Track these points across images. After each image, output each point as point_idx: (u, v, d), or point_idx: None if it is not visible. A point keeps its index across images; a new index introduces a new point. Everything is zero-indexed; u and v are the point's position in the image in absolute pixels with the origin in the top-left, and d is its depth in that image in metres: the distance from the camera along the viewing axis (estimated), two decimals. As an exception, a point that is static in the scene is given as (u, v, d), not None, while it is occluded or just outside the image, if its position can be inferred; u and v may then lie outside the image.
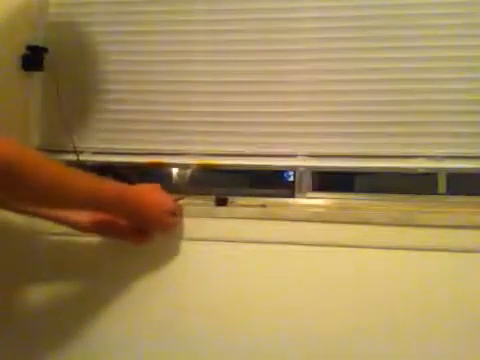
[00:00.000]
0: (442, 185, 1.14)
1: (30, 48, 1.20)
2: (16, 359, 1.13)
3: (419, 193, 1.14)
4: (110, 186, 0.88)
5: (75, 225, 0.99)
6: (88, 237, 1.07)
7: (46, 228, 1.08)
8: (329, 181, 1.21)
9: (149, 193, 0.96)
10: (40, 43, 1.22)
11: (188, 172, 1.29)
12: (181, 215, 1.07)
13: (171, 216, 1.01)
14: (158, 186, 1.00)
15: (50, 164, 0.78)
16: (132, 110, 1.22)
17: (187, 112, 1.20)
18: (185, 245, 1.09)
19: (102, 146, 1.23)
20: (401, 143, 1.12)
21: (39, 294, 1.14)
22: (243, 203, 1.14)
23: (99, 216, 0.97)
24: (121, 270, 1.11)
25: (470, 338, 0.99)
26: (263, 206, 1.10)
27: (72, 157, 1.21)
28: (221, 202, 1.13)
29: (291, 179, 1.20)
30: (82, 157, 1.21)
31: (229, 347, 1.07)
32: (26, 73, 1.21)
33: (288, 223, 1.06)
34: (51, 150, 1.23)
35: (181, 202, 1.07)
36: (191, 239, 1.09)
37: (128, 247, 1.06)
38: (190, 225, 1.08)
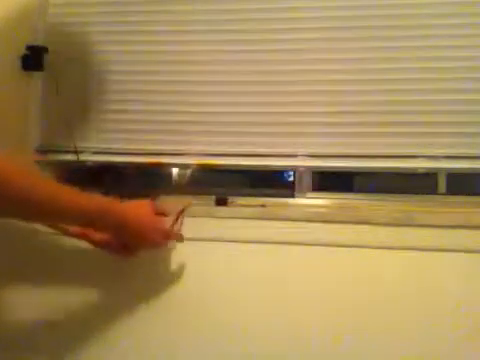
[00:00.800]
0: (442, 185, 1.14)
1: (30, 48, 1.20)
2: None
3: (419, 193, 1.14)
4: (95, 201, 0.87)
5: (65, 232, 0.99)
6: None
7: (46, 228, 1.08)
8: (329, 181, 1.21)
9: (136, 208, 0.95)
10: (40, 43, 1.22)
11: (188, 172, 1.29)
12: (179, 235, 1.05)
13: (161, 235, 0.99)
14: (148, 203, 0.98)
15: (36, 182, 0.78)
16: (132, 110, 1.22)
17: (187, 112, 1.20)
18: (185, 245, 1.09)
19: (102, 146, 1.22)
20: (401, 143, 1.12)
21: (38, 294, 1.14)
22: (243, 203, 1.14)
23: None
24: (120, 270, 1.11)
25: (471, 338, 0.99)
26: (263, 206, 1.10)
27: (72, 157, 1.21)
28: (221, 202, 1.13)
29: (291, 179, 1.20)
30: (82, 157, 1.21)
31: (229, 347, 1.07)
32: (26, 73, 1.21)
33: (288, 223, 1.06)
34: (51, 150, 1.23)
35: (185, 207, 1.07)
36: (191, 239, 1.09)
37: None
38: (190, 225, 1.08)
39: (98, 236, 0.97)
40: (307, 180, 1.18)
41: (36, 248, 1.14)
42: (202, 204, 1.13)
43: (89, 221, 0.88)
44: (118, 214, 0.91)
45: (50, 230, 1.01)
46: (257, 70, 1.17)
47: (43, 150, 1.23)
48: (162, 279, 1.10)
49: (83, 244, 1.10)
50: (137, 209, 0.95)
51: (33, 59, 1.20)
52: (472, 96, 1.10)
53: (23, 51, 1.19)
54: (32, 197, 0.77)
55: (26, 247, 1.14)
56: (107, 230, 0.95)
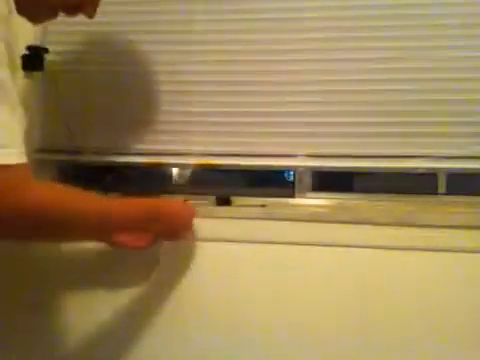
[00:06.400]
0: (442, 185, 1.14)
1: (30, 48, 1.20)
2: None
3: (419, 193, 1.14)
4: (141, 204, 0.90)
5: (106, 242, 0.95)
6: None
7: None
8: (329, 181, 1.21)
9: (162, 200, 1.00)
10: (40, 43, 1.22)
11: (188, 172, 1.29)
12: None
13: (189, 218, 1.03)
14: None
15: (78, 203, 0.79)
16: (132, 110, 1.22)
17: (187, 112, 1.20)
18: (185, 245, 1.09)
19: (102, 146, 1.22)
20: (401, 143, 1.12)
21: (42, 292, 1.14)
22: (243, 203, 1.14)
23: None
24: (120, 271, 1.11)
25: (470, 338, 0.99)
26: (263, 206, 1.10)
27: (72, 157, 1.21)
28: (223, 202, 1.13)
29: (291, 179, 1.20)
30: (82, 157, 1.21)
31: (229, 347, 1.07)
32: (26, 73, 1.21)
33: (288, 223, 1.06)
34: (51, 150, 1.23)
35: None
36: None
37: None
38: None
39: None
40: (307, 180, 1.18)
41: (37, 250, 1.15)
42: (202, 204, 1.13)
43: (139, 226, 0.89)
44: (164, 209, 0.94)
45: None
46: (257, 70, 1.17)
47: (43, 150, 1.23)
48: (161, 279, 1.10)
49: (83, 246, 1.11)
50: (170, 200, 1.00)
51: (33, 59, 1.20)
52: (472, 96, 1.10)
53: (23, 51, 1.19)
54: (84, 219, 0.80)
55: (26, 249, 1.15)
56: (151, 228, 0.93)
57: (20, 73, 1.17)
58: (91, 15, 0.97)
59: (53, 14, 0.93)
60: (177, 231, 1.00)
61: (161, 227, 0.94)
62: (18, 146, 0.71)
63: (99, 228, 0.85)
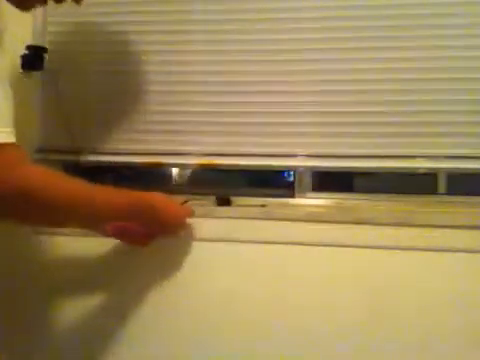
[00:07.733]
0: (442, 185, 1.14)
1: (30, 48, 1.20)
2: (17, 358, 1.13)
3: (419, 193, 1.14)
4: (126, 195, 0.89)
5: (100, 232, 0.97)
6: (88, 237, 1.07)
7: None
8: (329, 181, 1.21)
9: (157, 194, 0.96)
10: (40, 43, 1.22)
11: (188, 172, 1.29)
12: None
13: (183, 215, 1.02)
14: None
15: (65, 187, 0.79)
16: (132, 110, 1.22)
17: (187, 112, 1.20)
18: (184, 245, 1.09)
19: (102, 146, 1.22)
20: (401, 143, 1.12)
21: (41, 292, 1.14)
22: (243, 203, 1.14)
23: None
24: (120, 271, 1.11)
25: (470, 338, 0.99)
26: (263, 206, 1.10)
27: (72, 157, 1.21)
28: (223, 202, 1.13)
29: (291, 179, 1.20)
30: (82, 157, 1.21)
31: (228, 347, 1.07)
32: (26, 73, 1.21)
33: (288, 223, 1.06)
34: (51, 150, 1.23)
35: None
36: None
37: (127, 247, 1.06)
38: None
39: (126, 229, 0.95)
40: (307, 180, 1.18)
41: (37, 250, 1.15)
42: (202, 204, 1.13)
43: (122, 216, 0.88)
44: (147, 201, 0.92)
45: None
46: (257, 70, 1.17)
47: (43, 150, 1.23)
48: (161, 279, 1.10)
49: (84, 245, 1.11)
50: (158, 194, 0.96)
51: (33, 59, 1.20)
52: (472, 96, 1.10)
53: (23, 51, 1.19)
54: (69, 204, 0.79)
55: (26, 249, 1.15)
56: (135, 220, 0.93)
57: (17, 66, 1.17)
58: (79, 1, 0.93)
59: (42, 1, 0.92)
60: (169, 223, 0.98)
61: (153, 219, 0.93)
62: (9, 126, 0.70)
63: (89, 214, 0.84)
